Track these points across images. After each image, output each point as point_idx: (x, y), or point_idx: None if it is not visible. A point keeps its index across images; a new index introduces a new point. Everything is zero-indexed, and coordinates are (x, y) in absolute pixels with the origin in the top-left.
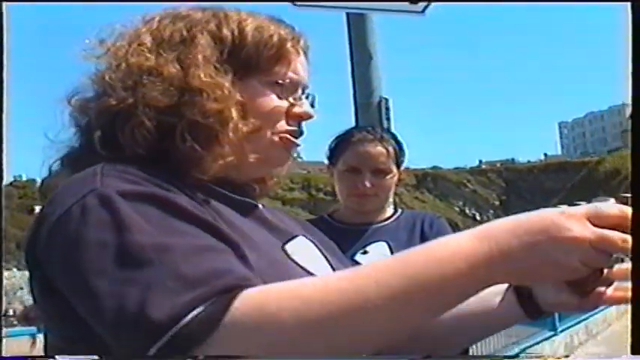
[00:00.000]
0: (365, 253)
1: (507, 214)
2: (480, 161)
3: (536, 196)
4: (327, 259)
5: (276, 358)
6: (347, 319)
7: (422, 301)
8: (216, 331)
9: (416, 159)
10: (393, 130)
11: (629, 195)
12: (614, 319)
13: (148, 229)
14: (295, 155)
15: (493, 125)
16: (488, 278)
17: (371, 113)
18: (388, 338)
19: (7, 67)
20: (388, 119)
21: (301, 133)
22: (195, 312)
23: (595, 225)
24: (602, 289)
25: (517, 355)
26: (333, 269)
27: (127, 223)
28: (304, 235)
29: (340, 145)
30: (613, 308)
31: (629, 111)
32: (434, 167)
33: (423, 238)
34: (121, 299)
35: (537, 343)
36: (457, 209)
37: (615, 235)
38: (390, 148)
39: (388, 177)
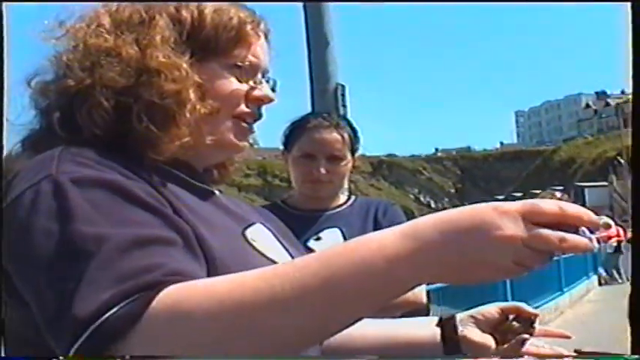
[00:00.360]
0: (318, 239)
1: (463, 202)
2: (436, 149)
3: (492, 184)
4: (284, 246)
5: (195, 358)
6: (262, 319)
7: (340, 303)
8: (132, 330)
9: (372, 146)
10: (348, 116)
11: (558, 190)
12: (567, 308)
13: (95, 219)
14: (252, 142)
15: (450, 113)
16: (411, 278)
17: (327, 99)
18: (307, 339)
19: (8, 66)
20: (344, 106)
21: (260, 116)
22: (115, 309)
23: (531, 223)
24: (520, 341)
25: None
26: (291, 256)
27: (75, 212)
28: (262, 223)
29: (295, 132)
30: (566, 296)
31: (585, 100)
32: (389, 155)
33: (377, 225)
34: (59, 293)
35: None
36: (412, 197)
37: (552, 233)
38: (346, 135)
39: (343, 163)
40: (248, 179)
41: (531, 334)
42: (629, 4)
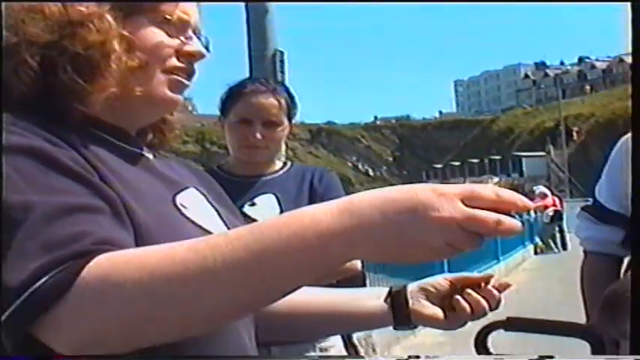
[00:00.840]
0: (253, 205)
1: (401, 171)
2: (375, 117)
3: (430, 152)
4: (218, 212)
5: (126, 329)
6: (193, 291)
7: (272, 276)
8: (63, 299)
9: (311, 114)
10: (287, 83)
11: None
12: (502, 276)
13: (22, 187)
14: (190, 108)
15: (389, 82)
16: (345, 254)
17: (265, 66)
18: (238, 311)
19: None
20: (282, 72)
21: (194, 72)
22: (45, 278)
23: (468, 206)
24: (468, 308)
25: None
26: (225, 222)
27: (3, 181)
28: (195, 187)
29: (232, 97)
30: (502, 265)
31: (524, 71)
32: (328, 122)
33: (312, 192)
34: None
35: None
36: (350, 165)
37: (487, 215)
38: (282, 101)
39: (279, 129)
40: (186, 146)
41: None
42: (629, 4)
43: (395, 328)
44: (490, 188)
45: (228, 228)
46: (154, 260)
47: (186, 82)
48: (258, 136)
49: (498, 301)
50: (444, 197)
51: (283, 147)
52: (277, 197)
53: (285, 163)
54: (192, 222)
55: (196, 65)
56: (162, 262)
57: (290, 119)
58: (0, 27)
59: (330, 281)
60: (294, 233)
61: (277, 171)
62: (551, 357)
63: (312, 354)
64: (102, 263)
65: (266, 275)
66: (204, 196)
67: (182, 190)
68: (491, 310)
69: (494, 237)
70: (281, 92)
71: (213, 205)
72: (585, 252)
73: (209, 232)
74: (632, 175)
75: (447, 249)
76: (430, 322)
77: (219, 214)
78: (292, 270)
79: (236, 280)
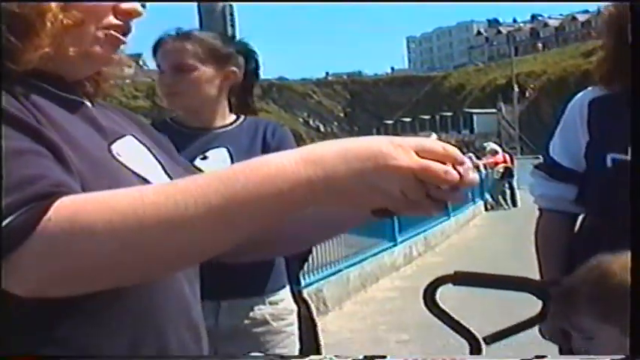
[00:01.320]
0: (204, 158)
1: (352, 127)
2: (327, 73)
3: (382, 108)
4: (159, 162)
5: (94, 270)
6: (163, 234)
7: (242, 220)
8: (28, 241)
9: (262, 69)
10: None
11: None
12: (453, 232)
13: None
14: (141, 63)
15: (341, 38)
16: (309, 200)
17: (215, 19)
18: (207, 254)
19: None
20: (233, 26)
21: (129, 30)
22: (7, 220)
23: (422, 156)
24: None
25: None
26: (166, 172)
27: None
28: (134, 135)
29: (154, 48)
30: (452, 221)
31: (476, 28)
32: (280, 78)
33: (265, 146)
34: None
35: (377, 253)
36: (301, 120)
37: (438, 166)
38: (196, 46)
39: (194, 74)
40: (136, 101)
41: None
42: (628, 4)
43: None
44: (438, 143)
45: (171, 178)
46: (125, 203)
47: (121, 38)
48: (168, 81)
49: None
50: (401, 148)
51: (223, 96)
52: (229, 151)
53: (238, 117)
54: (130, 169)
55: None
56: (133, 205)
57: (220, 66)
58: (0, 27)
59: None
60: (262, 179)
61: (229, 124)
62: (544, 356)
63: (262, 307)
64: (68, 205)
65: (235, 219)
66: (144, 145)
67: (119, 138)
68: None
69: (440, 185)
70: (197, 37)
71: (154, 155)
72: (540, 210)
73: (147, 181)
74: (630, 173)
75: (401, 197)
76: (413, 210)
77: (160, 164)
78: (260, 214)
79: (206, 223)
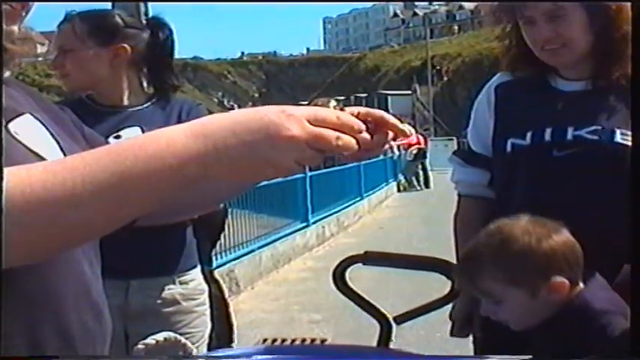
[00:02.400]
0: (118, 137)
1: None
2: (242, 53)
3: (297, 89)
4: (56, 141)
5: None
6: (52, 213)
7: (133, 196)
8: None
9: (176, 49)
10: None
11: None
12: (366, 212)
13: None
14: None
15: (257, 17)
16: (200, 174)
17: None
18: (104, 228)
19: None
20: (145, 5)
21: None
22: None
23: (314, 124)
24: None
25: None
26: (63, 151)
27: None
28: (32, 113)
29: None
30: (365, 202)
31: (392, 9)
32: (195, 57)
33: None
34: None
35: (290, 233)
36: (216, 100)
37: (330, 133)
38: (77, 25)
39: (75, 54)
40: (49, 79)
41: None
42: (628, 4)
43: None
44: (332, 111)
45: (66, 155)
46: (12, 183)
47: (22, 13)
48: (56, 63)
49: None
50: (292, 117)
51: (122, 73)
52: (143, 130)
53: (153, 95)
54: (28, 148)
55: None
56: (20, 185)
57: (103, 43)
58: (0, 27)
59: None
60: (152, 155)
61: (144, 103)
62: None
63: (172, 286)
64: None
65: (125, 196)
66: (42, 123)
67: (17, 116)
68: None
69: (335, 153)
70: (77, 17)
71: (52, 134)
72: (459, 195)
73: (45, 160)
74: (631, 174)
75: (295, 166)
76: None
77: (58, 143)
78: (150, 190)
79: (95, 202)
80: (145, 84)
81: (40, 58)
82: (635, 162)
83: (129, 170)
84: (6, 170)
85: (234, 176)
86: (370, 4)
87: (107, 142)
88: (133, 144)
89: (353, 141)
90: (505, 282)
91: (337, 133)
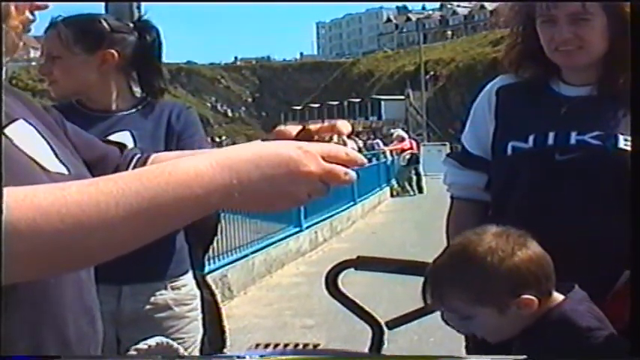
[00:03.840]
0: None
1: (259, 112)
2: (236, 58)
3: (290, 94)
4: (50, 146)
5: (11, 264)
6: (84, 234)
7: (160, 221)
8: None
9: (170, 53)
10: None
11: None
12: (359, 217)
13: None
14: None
15: (251, 22)
16: (223, 203)
17: (120, 2)
18: (129, 247)
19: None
20: (139, 9)
21: (34, 20)
22: None
23: (327, 162)
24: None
25: None
26: (57, 157)
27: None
28: (25, 119)
29: None
30: (358, 207)
31: (386, 14)
32: (188, 62)
33: (169, 129)
34: None
35: (283, 238)
36: (209, 105)
37: (340, 169)
38: (63, 32)
39: (61, 61)
40: (42, 84)
41: None
42: (628, 4)
43: None
44: (342, 148)
45: (62, 162)
46: (46, 201)
47: (23, 37)
48: (44, 71)
49: None
50: (309, 154)
51: (111, 79)
52: (132, 134)
53: (142, 100)
54: (26, 154)
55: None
56: (56, 203)
57: (90, 49)
58: (0, 27)
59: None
60: (181, 183)
61: (132, 107)
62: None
63: (164, 292)
64: None
65: (153, 219)
66: (36, 128)
67: (12, 121)
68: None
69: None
70: (63, 24)
71: (45, 139)
72: (452, 198)
73: (42, 166)
74: (631, 175)
75: (307, 198)
76: None
77: (51, 148)
78: (177, 215)
79: (126, 224)
80: (133, 88)
81: (33, 63)
82: (635, 158)
83: (159, 196)
84: (40, 188)
85: (252, 206)
86: (364, 9)
87: (90, 136)
88: (163, 171)
89: (353, 174)
90: (471, 301)
91: (345, 169)
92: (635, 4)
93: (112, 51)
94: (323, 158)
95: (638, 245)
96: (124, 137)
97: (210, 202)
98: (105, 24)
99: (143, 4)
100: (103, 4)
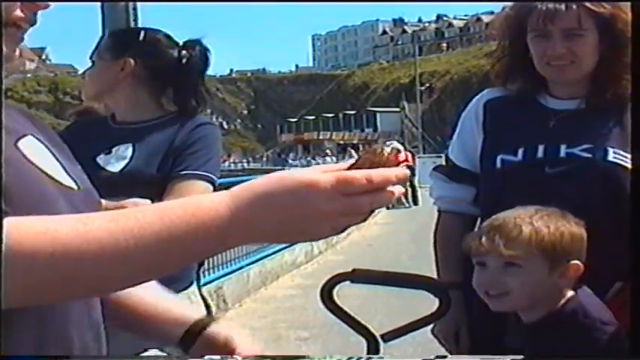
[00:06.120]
0: (108, 152)
1: (255, 124)
2: (231, 70)
3: (285, 106)
4: (58, 160)
5: (27, 298)
6: (103, 271)
7: (177, 261)
8: None
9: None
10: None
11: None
12: (354, 229)
13: None
14: (44, 57)
15: (246, 34)
16: (240, 242)
17: (118, 15)
18: (139, 284)
19: None
20: (135, 20)
21: (35, 22)
22: None
23: (343, 195)
24: None
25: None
26: (66, 171)
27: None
28: (34, 135)
29: None
30: None
31: (381, 27)
32: None
33: (174, 143)
34: None
35: (278, 250)
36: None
37: (362, 201)
38: (103, 40)
39: (96, 65)
40: (38, 96)
41: None
42: (628, 4)
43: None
44: (362, 174)
45: (71, 177)
46: (66, 236)
47: (24, 34)
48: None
49: None
50: (324, 193)
51: (126, 88)
52: (134, 147)
53: (169, 113)
54: (39, 169)
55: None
56: (76, 239)
57: (113, 56)
58: (0, 27)
59: None
60: (199, 225)
61: (147, 120)
62: (445, 356)
63: None
64: (11, 231)
65: (170, 258)
66: (43, 143)
67: (23, 136)
68: None
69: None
70: (108, 34)
71: (53, 154)
72: (439, 211)
73: (55, 179)
74: (631, 177)
75: (332, 231)
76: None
77: (60, 163)
78: (194, 256)
79: (142, 262)
80: (162, 100)
81: (29, 75)
82: (635, 165)
83: (179, 238)
84: (60, 221)
85: (269, 242)
86: (360, 21)
87: (96, 159)
88: (186, 211)
89: (387, 196)
90: (533, 248)
91: (370, 197)
92: (635, 4)
93: (130, 59)
94: (341, 192)
95: (638, 247)
96: (125, 150)
97: (228, 244)
98: (138, 35)
99: (139, 4)
100: (99, 4)
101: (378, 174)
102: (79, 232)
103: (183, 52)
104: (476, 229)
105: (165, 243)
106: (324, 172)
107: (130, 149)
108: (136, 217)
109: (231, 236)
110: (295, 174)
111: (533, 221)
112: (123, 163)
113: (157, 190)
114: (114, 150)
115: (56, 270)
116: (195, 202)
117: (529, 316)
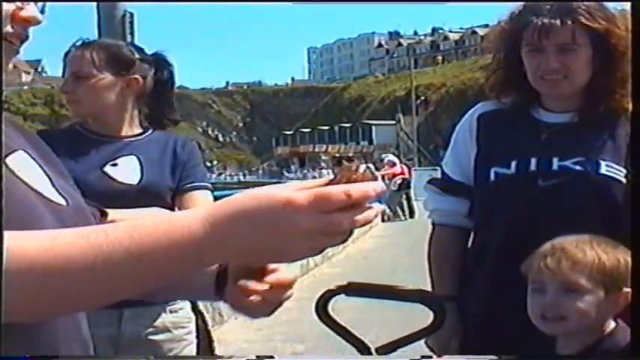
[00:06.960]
0: (115, 165)
1: (250, 137)
2: (227, 82)
3: (281, 119)
4: (47, 176)
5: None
6: (70, 287)
7: (149, 275)
8: None
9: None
10: (136, 43)
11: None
12: (350, 242)
13: None
14: (40, 70)
15: (242, 47)
16: (216, 261)
17: (114, 27)
18: (110, 301)
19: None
20: (132, 34)
21: (27, 37)
22: None
23: (323, 212)
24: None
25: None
26: (54, 186)
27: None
28: (24, 150)
29: (63, 58)
30: None
31: (377, 40)
32: (180, 87)
33: (175, 158)
34: None
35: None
36: (200, 130)
37: (341, 218)
38: (96, 53)
39: (90, 82)
40: (34, 108)
41: None
42: (628, 4)
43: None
44: (341, 189)
45: (59, 192)
46: (34, 251)
47: (18, 50)
48: (68, 88)
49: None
50: (299, 210)
51: (128, 104)
52: (139, 159)
53: (147, 129)
54: (28, 185)
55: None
56: (44, 255)
57: (119, 72)
58: (0, 27)
59: None
60: (172, 244)
61: (139, 135)
62: (430, 357)
63: (163, 315)
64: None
65: (140, 277)
66: (34, 159)
67: (12, 152)
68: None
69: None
70: (96, 46)
71: (43, 170)
72: (433, 224)
73: (43, 195)
74: (631, 182)
75: (311, 251)
76: (238, 308)
77: (49, 178)
78: (167, 272)
79: (111, 279)
80: (141, 116)
81: (25, 87)
82: (635, 174)
83: (148, 256)
84: (31, 237)
85: (243, 262)
86: (355, 34)
87: (103, 171)
88: (156, 229)
89: (369, 213)
90: (595, 273)
91: (349, 215)
92: (635, 3)
93: (138, 77)
94: (320, 209)
95: (637, 245)
96: (130, 161)
97: (204, 262)
98: (134, 52)
99: (131, 4)
100: (94, 4)
101: (356, 189)
102: (46, 248)
103: (161, 68)
104: (470, 240)
105: (135, 260)
106: (300, 189)
107: (136, 160)
108: (106, 232)
109: (206, 254)
110: (271, 191)
111: (594, 246)
112: (136, 176)
113: (170, 202)
114: (119, 162)
115: (23, 287)
116: (168, 219)
117: (573, 343)
